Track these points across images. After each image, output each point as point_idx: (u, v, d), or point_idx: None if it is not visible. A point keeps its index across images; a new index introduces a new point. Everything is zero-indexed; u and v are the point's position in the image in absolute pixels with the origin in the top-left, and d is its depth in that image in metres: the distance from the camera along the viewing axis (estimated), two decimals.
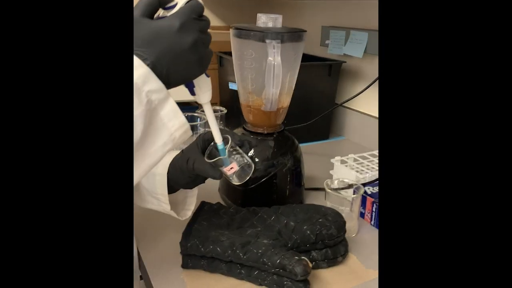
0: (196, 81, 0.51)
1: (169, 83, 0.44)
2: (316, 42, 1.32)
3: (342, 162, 0.89)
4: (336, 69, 1.16)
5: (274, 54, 0.68)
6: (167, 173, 0.61)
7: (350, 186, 0.74)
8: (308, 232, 0.61)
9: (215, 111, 1.13)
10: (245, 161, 0.60)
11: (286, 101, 0.79)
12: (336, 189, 0.72)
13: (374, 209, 0.74)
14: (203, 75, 0.51)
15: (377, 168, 0.87)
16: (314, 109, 1.14)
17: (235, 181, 0.61)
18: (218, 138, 0.57)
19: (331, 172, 0.90)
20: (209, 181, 0.89)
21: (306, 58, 1.27)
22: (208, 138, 0.61)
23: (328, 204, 0.71)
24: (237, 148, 0.61)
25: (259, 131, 0.79)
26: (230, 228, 0.65)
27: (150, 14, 0.44)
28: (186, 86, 0.52)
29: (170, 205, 0.62)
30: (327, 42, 1.25)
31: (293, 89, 0.79)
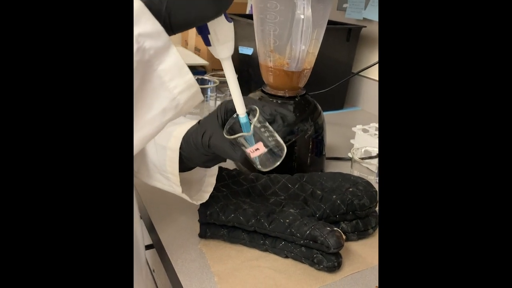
0: (212, 26, 0.39)
1: (171, 26, 0.33)
2: (333, 5, 1.24)
3: (364, 131, 0.83)
4: (356, 34, 1.09)
5: (304, 6, 0.61)
6: (180, 149, 0.49)
7: (370, 153, 0.69)
8: (339, 201, 0.56)
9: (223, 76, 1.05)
10: (275, 142, 0.46)
11: (310, 63, 0.72)
12: (364, 158, 0.67)
13: None
14: (222, 18, 0.38)
15: None
16: (330, 77, 1.07)
17: (260, 167, 0.47)
18: (240, 108, 0.45)
19: (351, 141, 0.84)
20: None
21: None
22: (232, 108, 0.47)
23: (355, 173, 0.66)
24: (267, 124, 0.47)
25: (279, 94, 0.72)
26: (252, 196, 0.60)
27: None
28: (199, 33, 0.40)
29: (184, 185, 0.52)
30: (345, 6, 1.18)
31: (318, 49, 0.72)
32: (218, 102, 1.01)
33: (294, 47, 0.64)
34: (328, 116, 1.11)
